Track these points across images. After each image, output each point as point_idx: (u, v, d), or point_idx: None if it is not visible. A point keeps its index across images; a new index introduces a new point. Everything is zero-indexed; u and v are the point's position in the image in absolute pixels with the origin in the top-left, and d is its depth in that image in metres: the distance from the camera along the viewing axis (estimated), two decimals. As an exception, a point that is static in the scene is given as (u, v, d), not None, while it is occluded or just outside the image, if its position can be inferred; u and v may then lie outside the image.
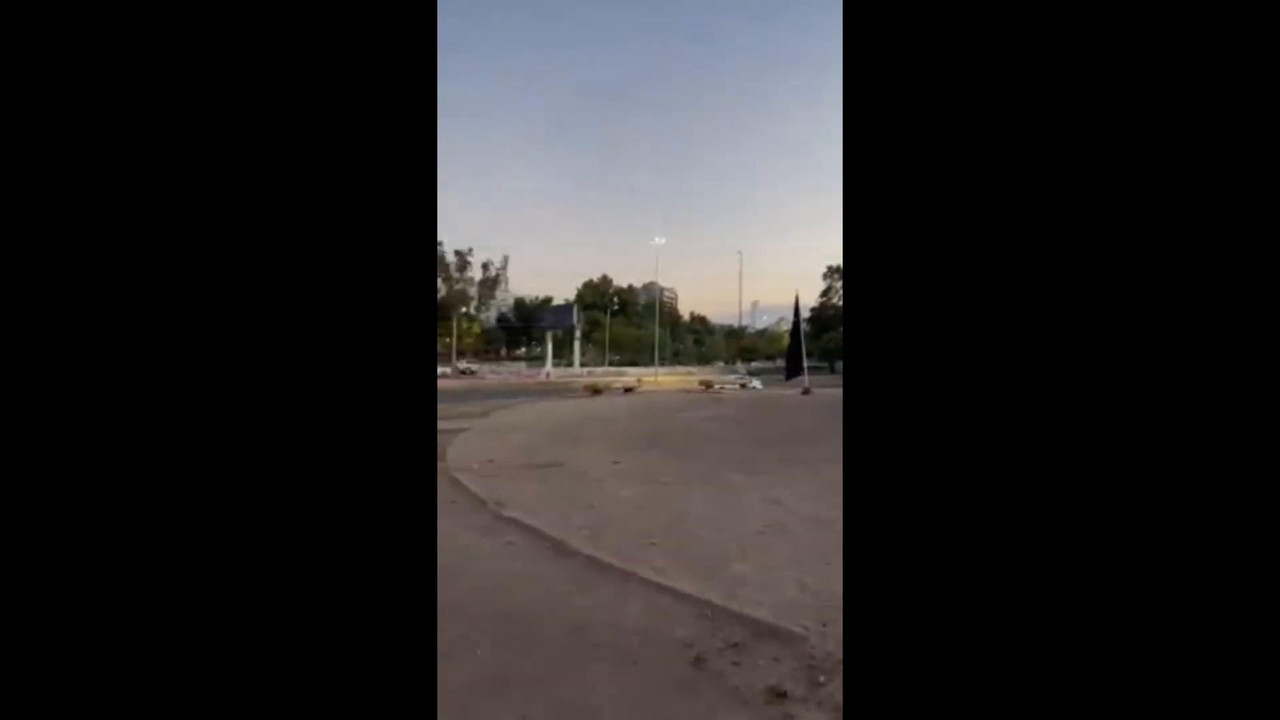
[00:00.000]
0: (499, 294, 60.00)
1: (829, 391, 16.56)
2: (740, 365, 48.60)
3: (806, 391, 16.79)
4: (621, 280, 71.39)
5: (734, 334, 70.11)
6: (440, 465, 6.23)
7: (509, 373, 41.11)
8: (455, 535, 3.88)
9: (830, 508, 4.28)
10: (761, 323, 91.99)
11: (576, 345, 45.50)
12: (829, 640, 2.34)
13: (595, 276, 68.12)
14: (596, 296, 62.48)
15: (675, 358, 56.46)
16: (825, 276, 49.76)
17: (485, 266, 55.65)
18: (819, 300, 49.28)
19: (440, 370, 39.46)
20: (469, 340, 53.67)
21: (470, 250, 54.24)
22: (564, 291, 64.58)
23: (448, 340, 52.33)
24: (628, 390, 21.86)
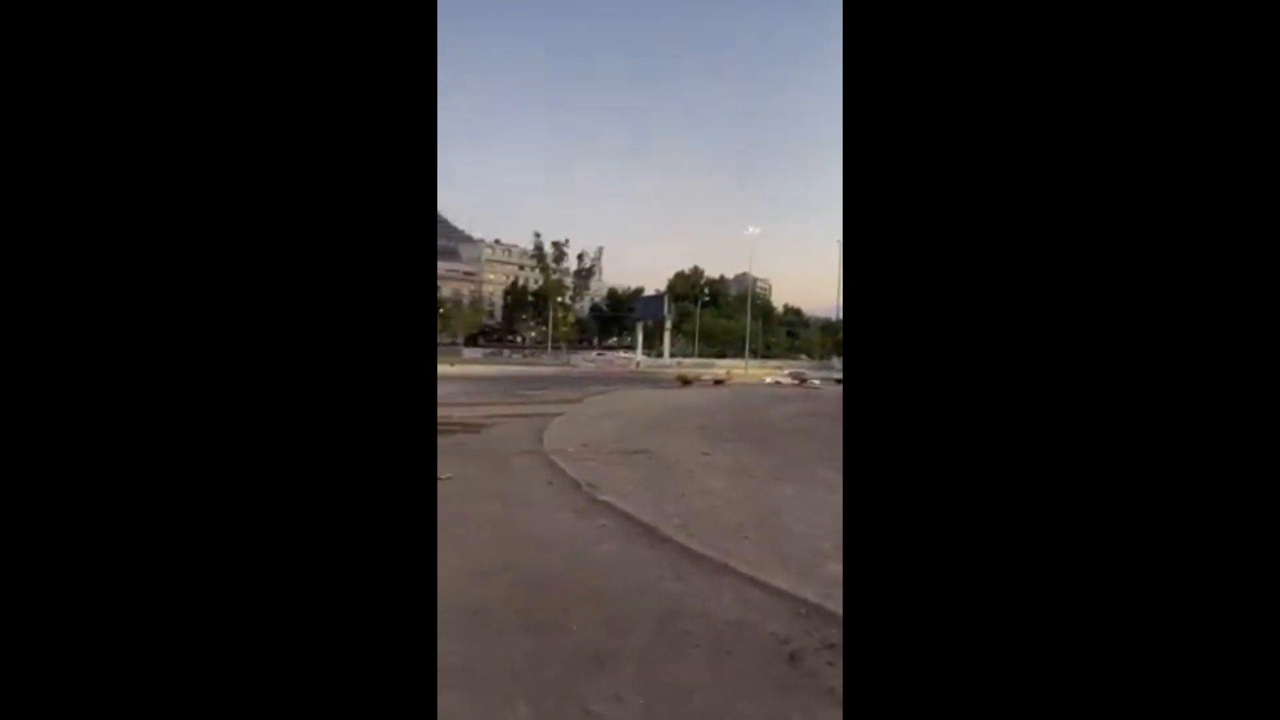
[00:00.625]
0: (593, 284, 61.46)
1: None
2: (837, 360, 46.73)
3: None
4: (714, 271, 70.84)
5: (830, 327, 67.45)
6: (538, 447, 6.51)
7: (603, 361, 42.03)
8: (552, 515, 4.05)
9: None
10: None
11: (666, 336, 45.68)
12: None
13: (687, 268, 68.04)
14: (687, 287, 62.43)
15: (767, 350, 55.24)
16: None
17: (580, 257, 57.19)
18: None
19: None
20: (564, 329, 55.45)
21: (567, 241, 56.00)
22: (656, 282, 65.07)
23: (544, 328, 54.36)
24: (718, 382, 21.71)
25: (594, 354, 48.49)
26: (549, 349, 49.96)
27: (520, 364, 36.02)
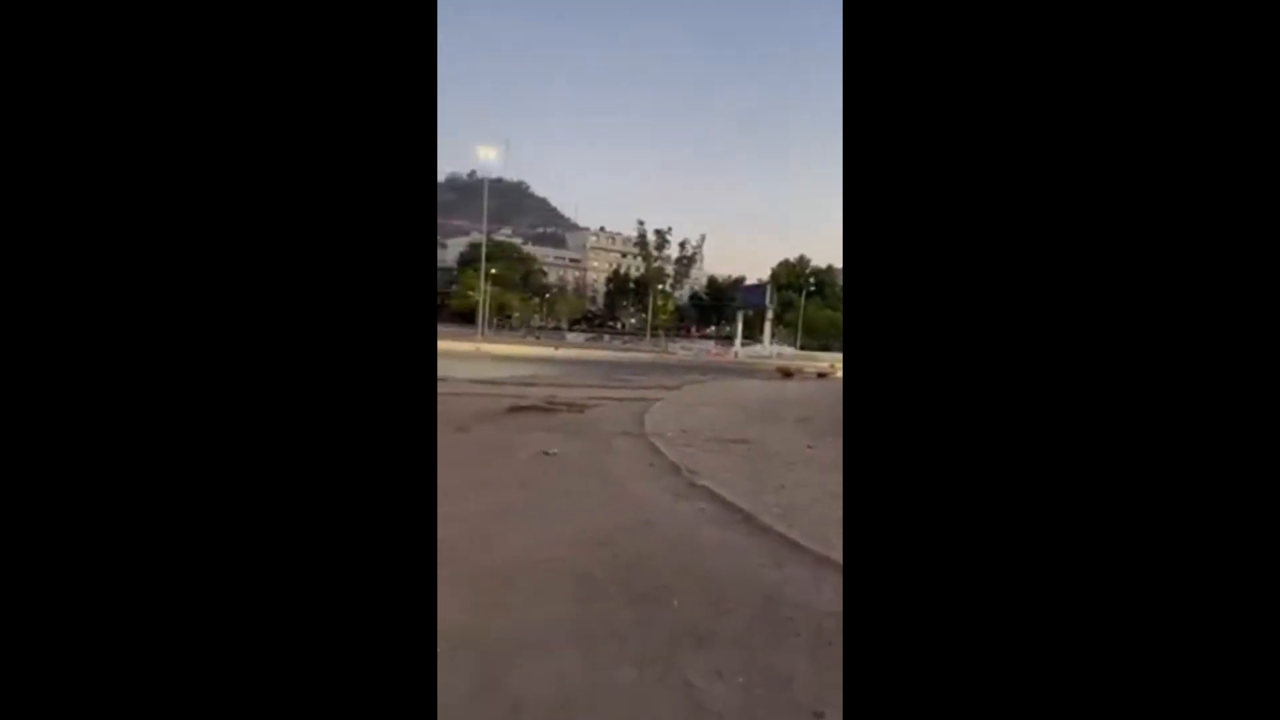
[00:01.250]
0: (693, 272, 61.30)
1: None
2: None
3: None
4: (821, 261, 68.17)
5: (946, 322, 62.63)
6: (639, 430, 6.66)
7: (699, 349, 41.94)
8: (653, 496, 4.16)
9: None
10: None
11: (767, 326, 44.59)
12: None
13: (793, 256, 65.98)
14: (792, 277, 60.55)
15: (875, 344, 52.27)
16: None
17: (682, 245, 57.20)
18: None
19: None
20: (663, 317, 55.88)
21: (669, 229, 56.22)
22: (759, 271, 63.77)
23: (644, 315, 55.06)
24: (821, 375, 20.99)
25: (692, 342, 48.43)
26: (647, 336, 50.55)
27: (619, 350, 36.78)
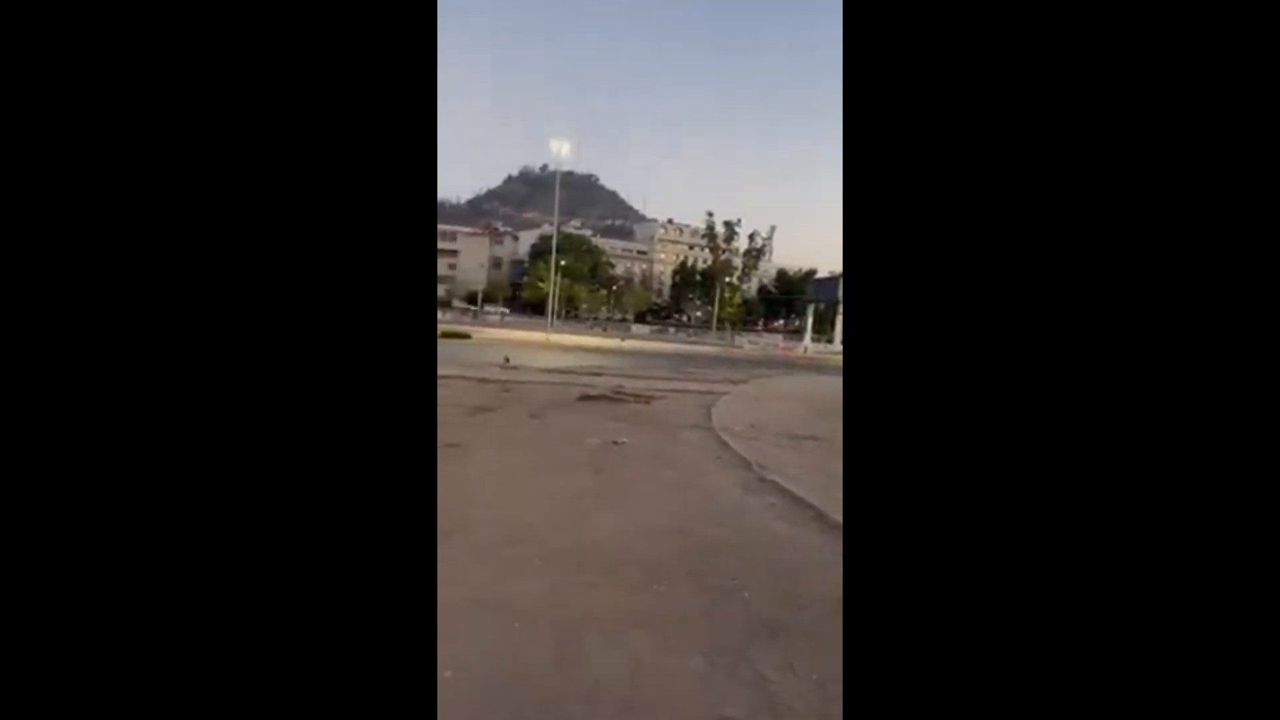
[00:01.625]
0: (762, 265, 60.13)
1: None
2: None
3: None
4: (897, 252, 65.12)
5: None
6: (706, 423, 6.66)
7: (766, 343, 41.21)
8: (722, 489, 4.16)
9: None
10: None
11: (839, 320, 43.17)
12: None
13: (866, 248, 63.38)
14: (866, 270, 58.10)
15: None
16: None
17: (751, 237, 56.22)
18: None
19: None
20: (730, 310, 55.23)
21: (739, 221, 55.35)
22: (832, 264, 61.84)
23: (710, 308, 54.63)
24: (895, 373, 20.11)
25: (759, 337, 47.60)
26: (713, 329, 50.16)
27: (684, 342, 36.69)
